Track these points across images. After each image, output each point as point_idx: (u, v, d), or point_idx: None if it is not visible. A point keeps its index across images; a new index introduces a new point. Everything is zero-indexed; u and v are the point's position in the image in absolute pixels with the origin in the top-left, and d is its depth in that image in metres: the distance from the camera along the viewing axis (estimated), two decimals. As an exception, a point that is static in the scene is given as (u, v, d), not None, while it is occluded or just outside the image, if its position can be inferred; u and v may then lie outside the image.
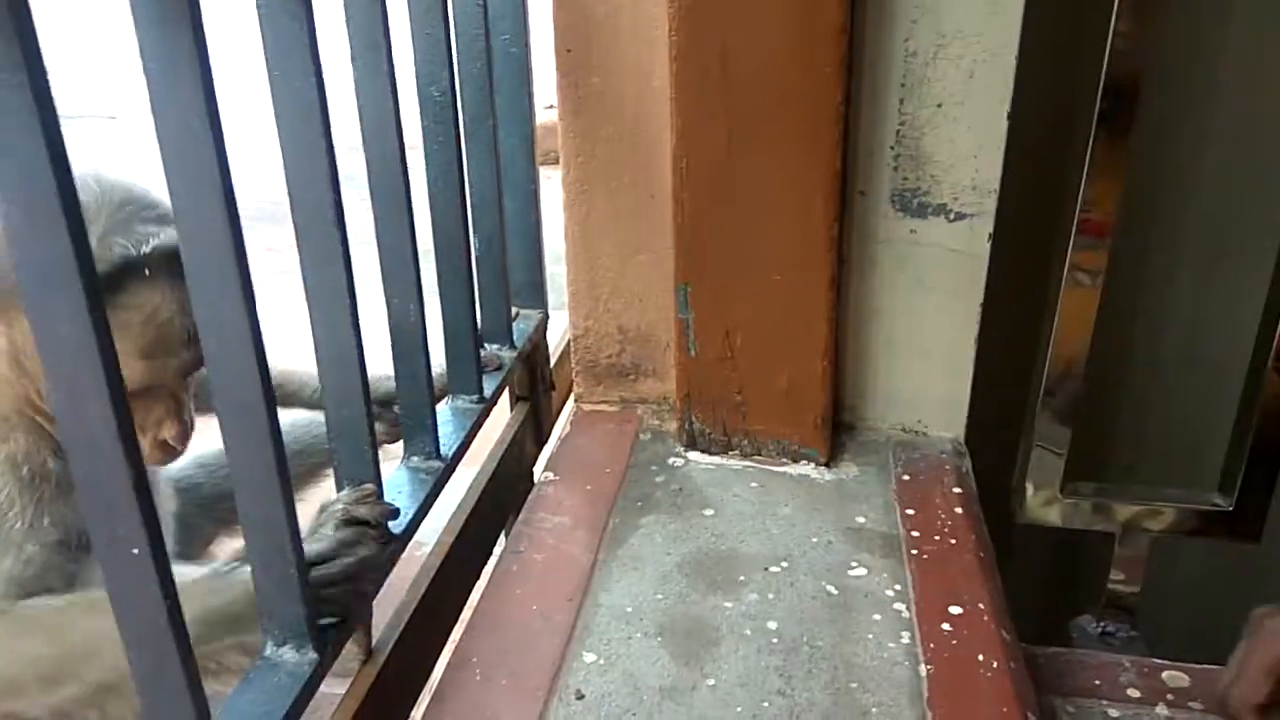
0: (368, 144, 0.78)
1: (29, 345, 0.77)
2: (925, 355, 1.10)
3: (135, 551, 0.49)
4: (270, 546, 0.63)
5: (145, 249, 0.79)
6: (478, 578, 1.05)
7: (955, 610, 0.87)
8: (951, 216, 1.04)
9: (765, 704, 0.76)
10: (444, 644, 0.93)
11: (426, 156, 0.91)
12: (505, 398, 1.19)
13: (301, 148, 0.65)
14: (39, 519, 0.83)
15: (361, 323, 0.74)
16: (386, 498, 0.81)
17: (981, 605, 0.87)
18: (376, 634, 0.84)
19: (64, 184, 0.43)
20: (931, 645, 0.82)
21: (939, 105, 1.00)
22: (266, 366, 0.58)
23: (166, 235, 0.79)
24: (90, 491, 0.48)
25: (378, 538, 0.76)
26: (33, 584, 0.82)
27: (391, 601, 0.89)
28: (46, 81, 0.42)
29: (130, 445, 0.47)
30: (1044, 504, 1.18)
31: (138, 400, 0.81)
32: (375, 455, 0.77)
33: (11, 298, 0.73)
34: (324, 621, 0.67)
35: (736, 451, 1.09)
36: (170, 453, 0.90)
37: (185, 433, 0.90)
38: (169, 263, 0.78)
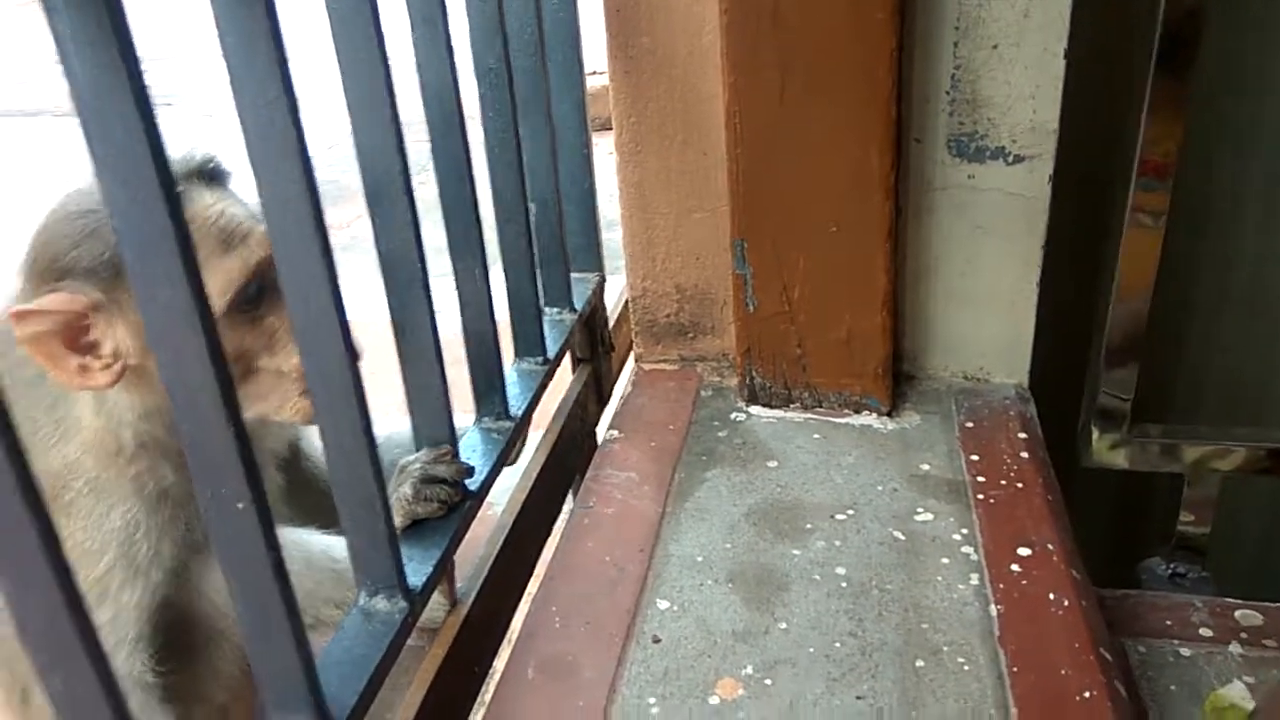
0: (430, 114, 0.80)
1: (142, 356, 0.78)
2: (986, 302, 1.10)
3: (240, 506, 0.52)
4: (360, 504, 0.66)
5: (187, 164, 0.81)
6: (549, 533, 1.08)
7: (1024, 552, 0.87)
8: (1010, 159, 1.03)
9: (837, 644, 0.77)
10: (522, 595, 0.97)
11: (484, 125, 0.92)
12: (566, 360, 1.21)
13: (369, 115, 0.67)
14: (161, 544, 0.85)
15: (432, 289, 0.76)
16: (463, 457, 0.84)
17: (1050, 546, 0.88)
18: (458, 586, 0.87)
19: (160, 164, 0.46)
20: (1001, 586, 0.83)
21: (994, 46, 0.99)
22: (349, 330, 0.61)
23: (194, 152, 0.82)
24: (195, 450, 0.51)
25: (455, 494, 0.79)
26: (157, 613, 0.85)
27: (470, 557, 0.92)
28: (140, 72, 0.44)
29: (231, 400, 0.50)
30: (1110, 447, 1.17)
31: (266, 314, 0.81)
32: (450, 416, 0.80)
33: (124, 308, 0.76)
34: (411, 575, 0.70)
35: (798, 404, 1.10)
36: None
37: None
38: (204, 172, 0.82)
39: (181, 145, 0.80)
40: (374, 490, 0.65)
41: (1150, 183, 1.07)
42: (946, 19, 0.98)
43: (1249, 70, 1.20)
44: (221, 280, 0.78)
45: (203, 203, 0.79)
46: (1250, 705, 0.84)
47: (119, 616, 0.81)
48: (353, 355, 0.61)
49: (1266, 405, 1.26)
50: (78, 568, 0.77)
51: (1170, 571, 1.20)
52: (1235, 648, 0.94)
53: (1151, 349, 1.14)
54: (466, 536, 0.83)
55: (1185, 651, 0.94)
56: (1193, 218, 1.21)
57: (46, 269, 0.76)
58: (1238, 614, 0.98)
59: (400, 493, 0.76)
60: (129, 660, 0.82)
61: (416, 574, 0.71)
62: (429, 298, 0.75)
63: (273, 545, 0.54)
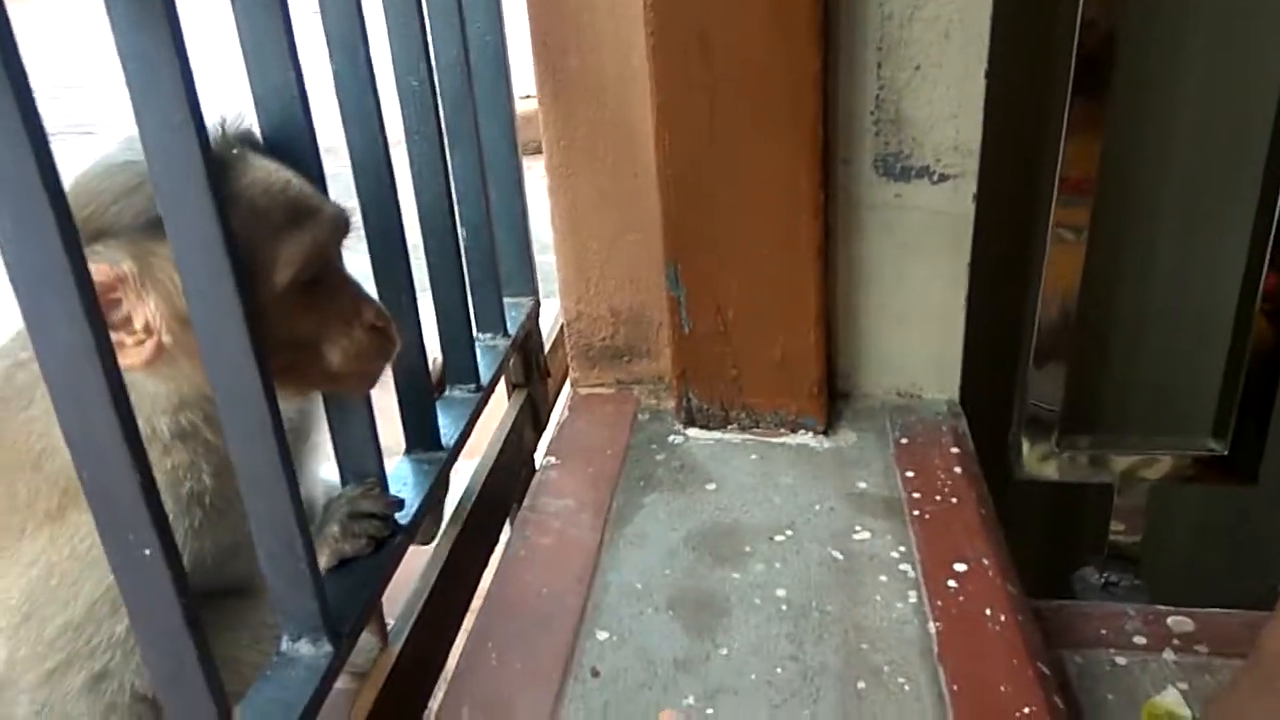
0: (350, 138, 0.78)
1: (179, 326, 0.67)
2: (916, 318, 1.11)
3: (147, 553, 0.49)
4: (280, 543, 0.63)
5: (225, 132, 0.70)
6: (485, 566, 1.06)
7: (960, 567, 0.87)
8: (935, 178, 1.04)
9: (779, 669, 0.76)
10: (457, 632, 0.94)
11: (409, 148, 0.91)
12: (502, 386, 1.19)
13: (285, 138, 0.65)
14: (185, 548, 0.72)
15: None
16: (394, 490, 0.81)
17: (986, 561, 0.88)
18: (390, 624, 0.84)
19: (54, 192, 0.43)
20: (939, 603, 0.83)
21: (917, 67, 1.00)
22: (265, 360, 0.58)
23: (240, 116, 0.73)
24: (98, 491, 0.48)
25: (384, 529, 0.76)
26: None
27: (402, 594, 0.89)
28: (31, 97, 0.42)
29: (135, 444, 0.47)
30: (1041, 459, 1.19)
31: (319, 299, 0.71)
32: (377, 448, 0.78)
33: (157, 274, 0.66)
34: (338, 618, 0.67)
35: (735, 425, 1.09)
36: (386, 339, 0.76)
37: (383, 311, 0.76)
38: (254, 141, 0.72)
39: (220, 110, 0.71)
40: (294, 528, 0.62)
41: (1071, 199, 1.09)
42: (869, 41, 0.99)
43: (1161, 88, 1.24)
44: (288, 255, 0.68)
45: (267, 169, 0.70)
46: (1186, 712, 0.85)
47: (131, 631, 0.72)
48: (269, 387, 0.59)
49: (1191, 413, 1.29)
50: (91, 570, 0.69)
51: (1104, 581, 1.22)
52: (1169, 654, 0.95)
53: (1078, 361, 1.16)
54: (398, 572, 0.80)
55: (1121, 660, 0.95)
56: (1114, 231, 1.24)
57: (80, 228, 0.67)
58: (1170, 620, 1.00)
59: (326, 531, 0.74)
60: (137, 672, 0.75)
61: (343, 616, 0.68)
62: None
63: (184, 592, 0.51)
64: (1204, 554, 1.39)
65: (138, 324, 0.67)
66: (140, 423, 0.71)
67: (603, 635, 0.81)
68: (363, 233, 0.81)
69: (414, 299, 0.85)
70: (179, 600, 0.51)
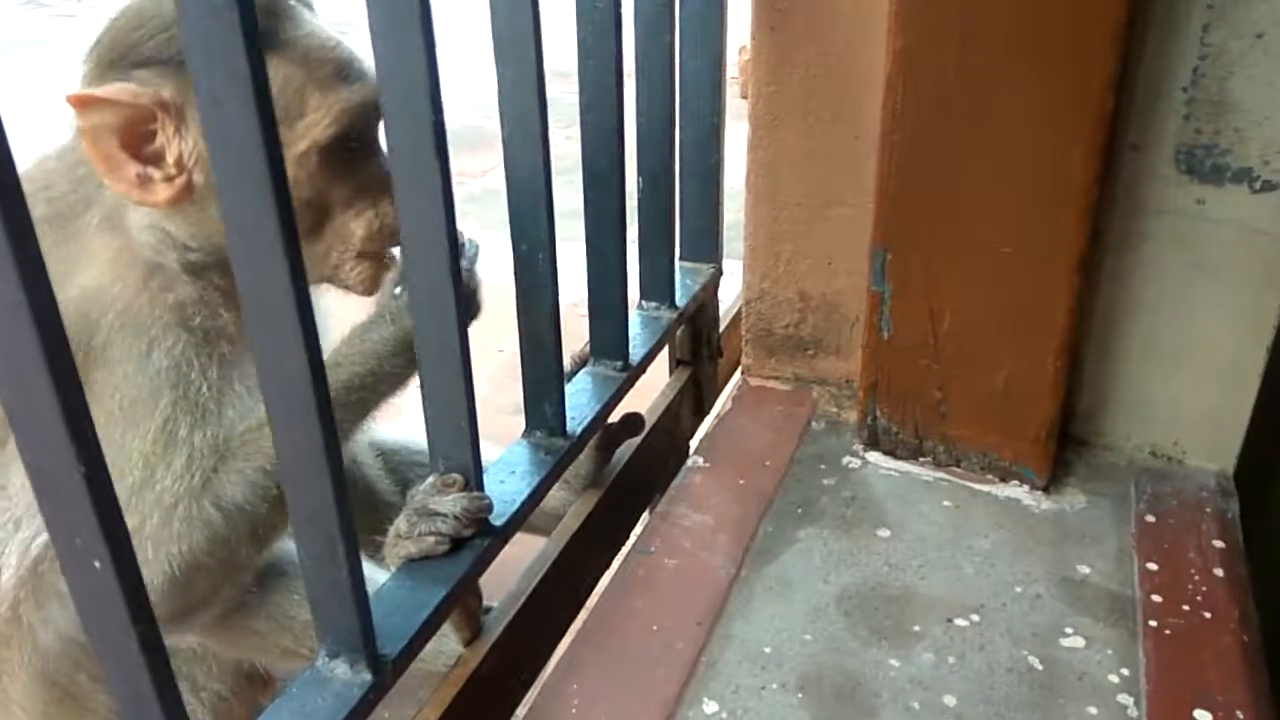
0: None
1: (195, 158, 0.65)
2: (1195, 361, 0.86)
3: (97, 565, 0.38)
4: (320, 544, 0.51)
5: None
6: (609, 562, 0.92)
7: (1202, 715, 0.65)
8: (1258, 185, 0.79)
9: (928, 814, 0.58)
10: (553, 649, 0.81)
11: (580, 72, 0.75)
12: (664, 361, 1.04)
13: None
14: (227, 383, 0.71)
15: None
16: (497, 479, 0.69)
17: (1240, 713, 0.65)
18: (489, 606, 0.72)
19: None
20: (1168, 764, 0.61)
21: (1259, 35, 0.75)
22: (318, 346, 0.46)
23: None
24: (42, 486, 0.37)
25: (461, 527, 0.63)
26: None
27: (499, 590, 0.77)
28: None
29: (84, 433, 0.36)
30: (1334, 565, 0.91)
31: (354, 169, 0.70)
32: (474, 432, 0.64)
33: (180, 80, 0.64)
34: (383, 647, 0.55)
35: (929, 459, 0.89)
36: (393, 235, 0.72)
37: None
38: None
39: None
40: (334, 526, 0.50)
41: None
42: (1199, -8, 0.74)
43: None
44: (338, 109, 0.67)
45: (319, 24, 0.69)
46: None
47: (193, 457, 0.68)
48: (319, 370, 0.46)
49: None
50: (132, 426, 0.66)
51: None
52: None
53: None
54: (493, 565, 0.67)
55: None
56: None
57: (120, 57, 0.64)
58: None
59: (395, 526, 0.62)
60: (209, 488, 0.69)
61: (392, 637, 0.56)
62: (456, 278, 0.59)
63: (140, 610, 0.40)
64: None
65: (170, 158, 0.65)
66: (131, 257, 0.68)
67: (710, 707, 0.65)
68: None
69: (553, 252, 0.71)
70: (133, 624, 0.39)
